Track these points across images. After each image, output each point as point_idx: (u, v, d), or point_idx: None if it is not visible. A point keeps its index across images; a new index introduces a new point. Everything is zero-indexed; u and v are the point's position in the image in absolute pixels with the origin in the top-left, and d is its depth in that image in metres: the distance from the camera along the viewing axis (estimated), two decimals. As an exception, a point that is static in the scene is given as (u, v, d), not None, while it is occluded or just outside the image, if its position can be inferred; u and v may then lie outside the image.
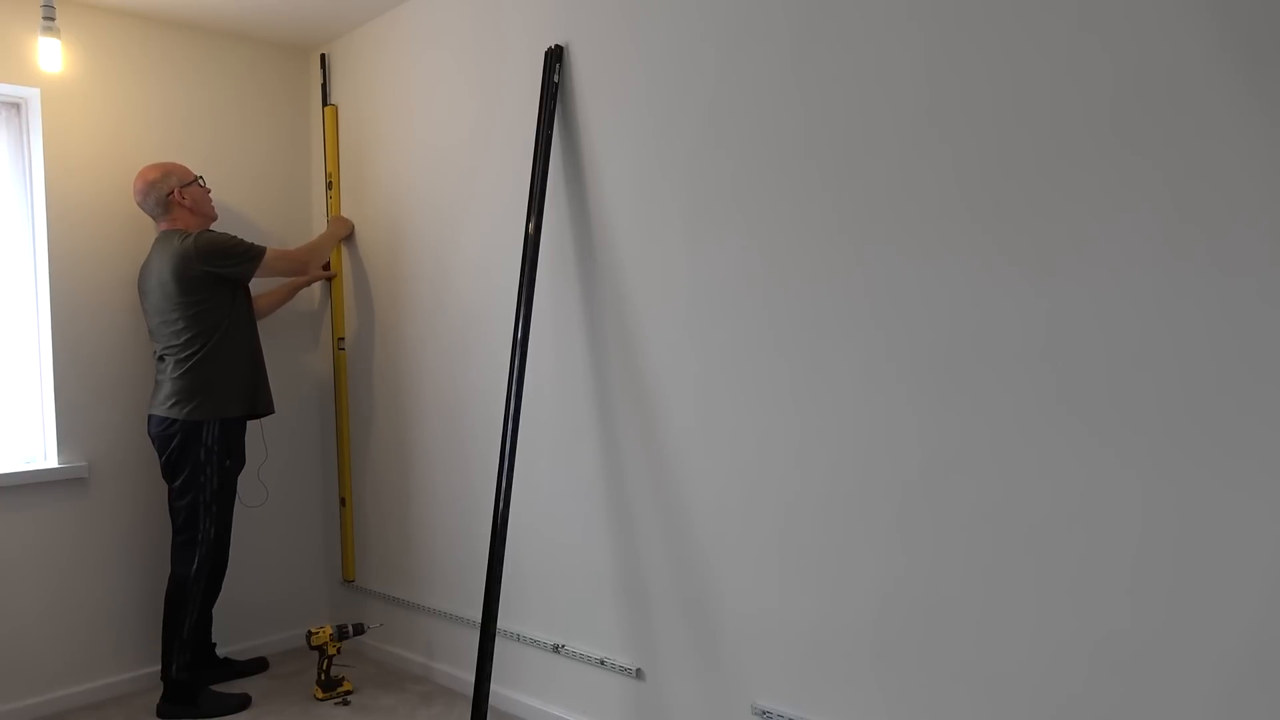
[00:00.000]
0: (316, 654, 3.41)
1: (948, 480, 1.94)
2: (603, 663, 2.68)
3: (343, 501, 3.61)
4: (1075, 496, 1.76)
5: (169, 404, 2.95)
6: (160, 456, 3.02)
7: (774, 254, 2.21)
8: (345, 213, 3.54)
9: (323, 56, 3.60)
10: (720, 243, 2.31)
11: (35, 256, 3.10)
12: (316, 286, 3.68)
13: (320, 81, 3.62)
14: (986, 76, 1.84)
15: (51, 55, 2.86)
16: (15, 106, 3.08)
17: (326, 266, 3.54)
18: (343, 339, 3.59)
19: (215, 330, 2.98)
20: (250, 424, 3.41)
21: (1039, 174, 1.78)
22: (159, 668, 3.22)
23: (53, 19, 2.83)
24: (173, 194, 3.01)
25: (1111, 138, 1.69)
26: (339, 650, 3.15)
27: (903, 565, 2.01)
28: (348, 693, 3.15)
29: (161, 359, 3.00)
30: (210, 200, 3.14)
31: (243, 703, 3.05)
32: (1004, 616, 1.87)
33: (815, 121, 2.11)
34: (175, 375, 2.95)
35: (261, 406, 3.14)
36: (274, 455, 3.59)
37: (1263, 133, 1.53)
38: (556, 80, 2.66)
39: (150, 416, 3.03)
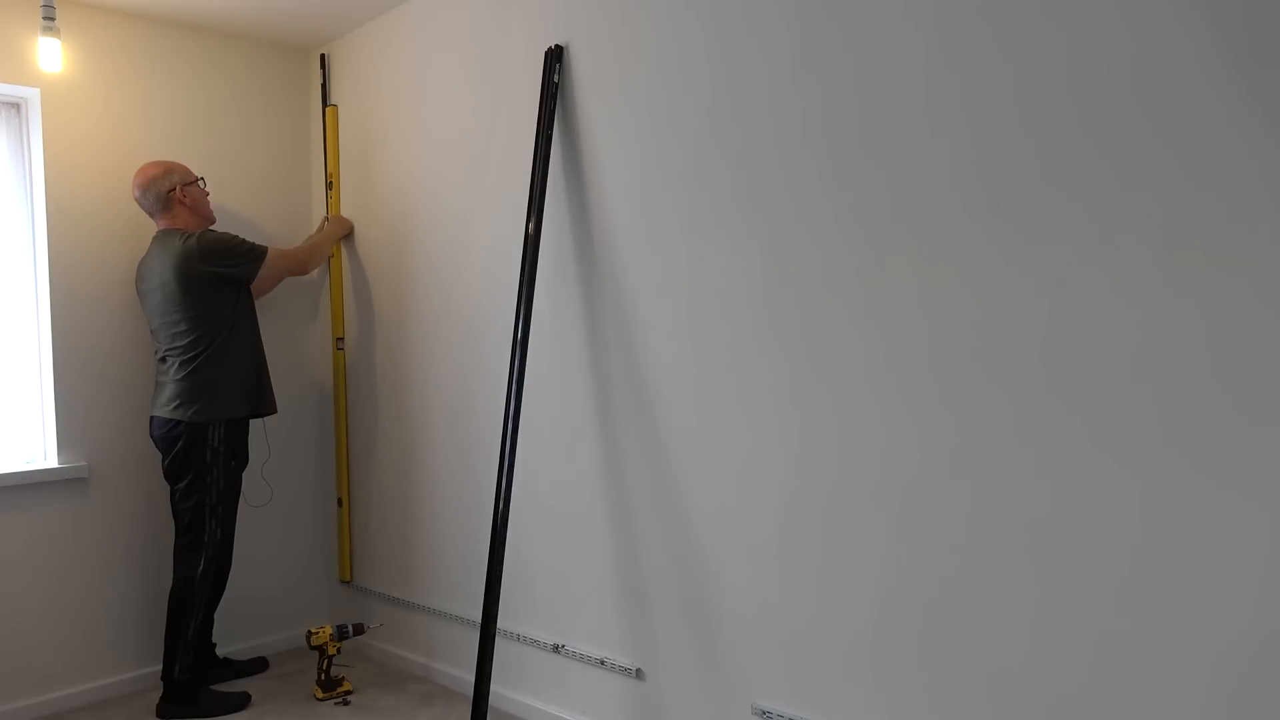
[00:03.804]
0: (316, 654, 3.41)
1: (946, 480, 1.94)
2: (603, 663, 2.68)
3: (340, 502, 3.61)
4: (1073, 496, 1.76)
5: (172, 405, 2.94)
6: (164, 458, 3.01)
7: (773, 254, 2.21)
8: (345, 213, 3.54)
9: (323, 56, 3.60)
10: (720, 242, 2.31)
11: (35, 256, 3.10)
12: (317, 286, 3.68)
13: (320, 81, 3.62)
14: (985, 78, 1.84)
15: (51, 55, 2.86)
16: (15, 106, 3.08)
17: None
18: (342, 339, 3.59)
19: (219, 331, 2.97)
20: (253, 423, 3.41)
21: (1038, 176, 1.78)
22: (159, 668, 3.22)
23: (53, 19, 2.83)
24: (174, 191, 3.01)
25: (1110, 139, 1.69)
26: (339, 650, 3.15)
27: (902, 565, 2.01)
28: (348, 693, 3.15)
29: (164, 360, 2.99)
30: (209, 203, 3.14)
31: (242, 702, 3.05)
32: (1003, 616, 1.87)
33: (814, 122, 2.11)
34: (179, 376, 2.94)
35: (265, 406, 3.14)
36: (274, 455, 3.59)
37: (1262, 134, 1.54)
38: (556, 80, 2.66)
39: (153, 418, 3.02)
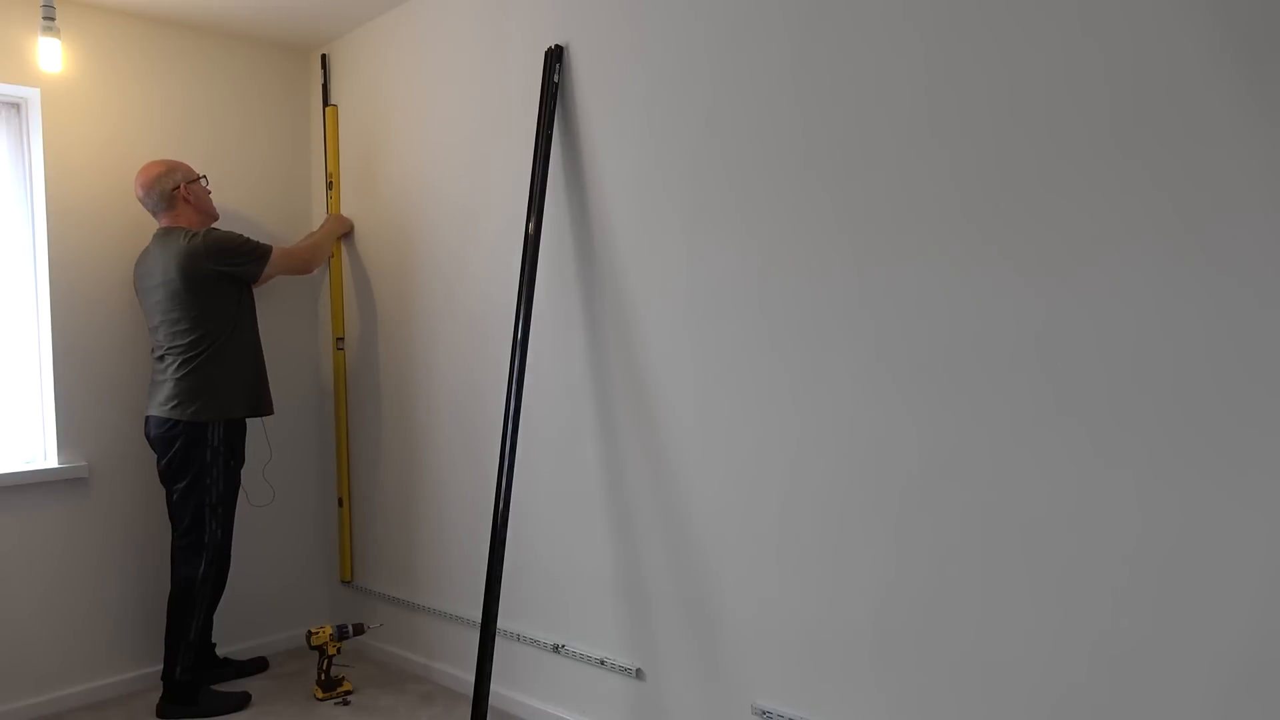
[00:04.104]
0: (316, 654, 3.41)
1: (945, 480, 1.94)
2: (603, 663, 2.68)
3: (340, 502, 3.61)
4: (1072, 497, 1.76)
5: (171, 404, 2.93)
6: (160, 459, 3.00)
7: (772, 255, 2.21)
8: (345, 213, 3.54)
9: (323, 57, 3.60)
10: (719, 243, 2.31)
11: (35, 256, 3.10)
12: (317, 286, 3.68)
13: (321, 81, 3.62)
14: (984, 80, 1.84)
15: (51, 55, 2.86)
16: (15, 106, 3.08)
17: None
18: (341, 339, 3.59)
19: (221, 330, 2.96)
20: (253, 423, 3.41)
21: (1036, 177, 1.78)
22: (159, 668, 3.22)
23: (53, 19, 2.83)
24: (178, 189, 3.00)
25: (1109, 141, 1.69)
26: (339, 650, 3.15)
27: (901, 565, 2.01)
28: (348, 693, 3.15)
29: (161, 358, 2.98)
30: (211, 200, 3.14)
31: (242, 701, 3.05)
32: (1000, 616, 1.87)
33: (813, 123, 2.11)
34: (178, 375, 2.93)
35: (264, 406, 3.14)
36: (275, 455, 3.58)
37: (1261, 136, 1.53)
38: (556, 80, 2.66)
39: (149, 418, 3.00)
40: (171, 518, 3.04)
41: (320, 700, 3.12)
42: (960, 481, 1.92)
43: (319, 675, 3.13)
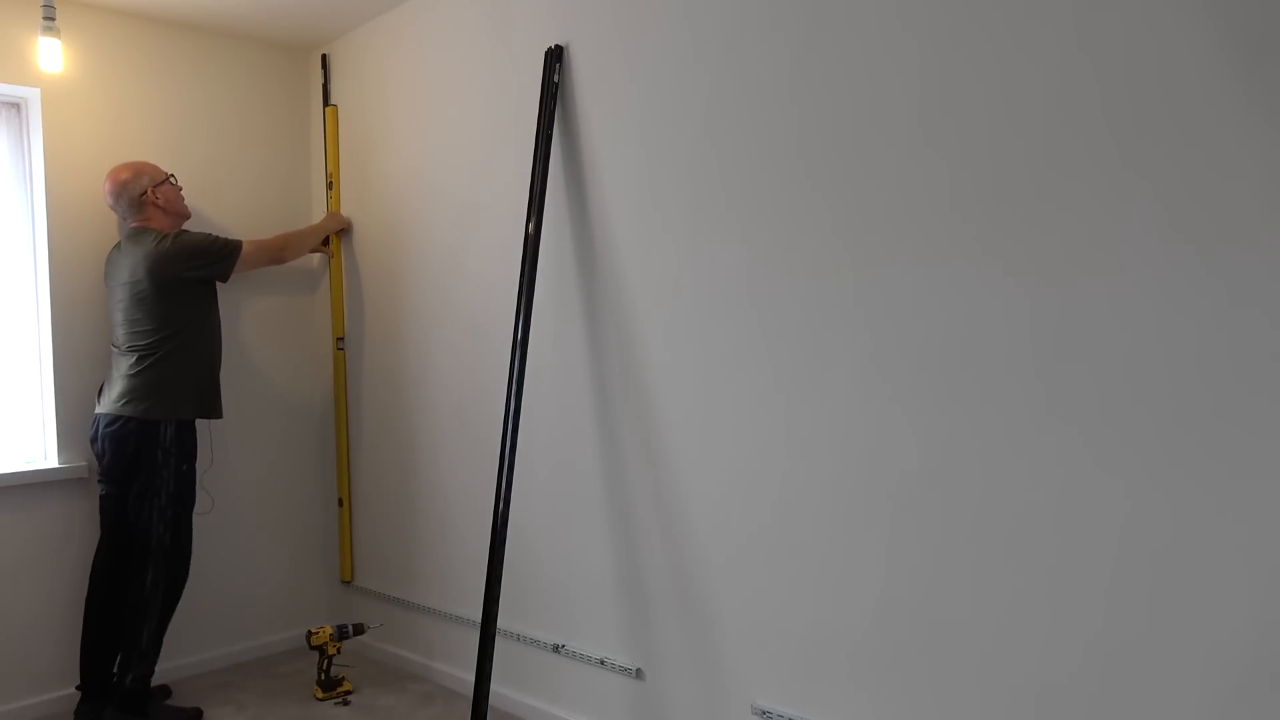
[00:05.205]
0: (316, 654, 3.41)
1: (940, 482, 1.94)
2: (603, 663, 2.68)
3: (340, 502, 3.61)
4: (1064, 499, 1.76)
5: (123, 401, 2.84)
6: (109, 458, 2.88)
7: (770, 257, 2.21)
8: (345, 213, 3.54)
9: (323, 57, 3.60)
10: (718, 244, 2.31)
11: (35, 256, 3.10)
12: (317, 286, 3.68)
13: (321, 82, 3.62)
14: (980, 85, 1.84)
15: (51, 55, 2.86)
16: (15, 106, 3.08)
17: (326, 242, 3.51)
18: (342, 339, 3.59)
19: (183, 331, 2.90)
20: (199, 429, 3.28)
21: (1032, 182, 1.78)
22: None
23: (53, 19, 2.83)
24: (146, 194, 2.96)
25: (1104, 146, 1.69)
26: (339, 650, 3.15)
27: (898, 565, 2.02)
28: (348, 693, 3.15)
29: (120, 354, 2.92)
30: (183, 198, 3.10)
31: (193, 717, 2.95)
32: (995, 615, 1.87)
33: (811, 125, 2.11)
34: (133, 372, 2.85)
35: (215, 409, 3.04)
36: (275, 455, 3.58)
37: (1259, 140, 1.53)
38: (556, 80, 2.66)
39: (98, 416, 2.90)
40: (113, 519, 2.93)
41: (320, 700, 3.12)
42: (955, 482, 1.92)
43: (319, 675, 3.14)
